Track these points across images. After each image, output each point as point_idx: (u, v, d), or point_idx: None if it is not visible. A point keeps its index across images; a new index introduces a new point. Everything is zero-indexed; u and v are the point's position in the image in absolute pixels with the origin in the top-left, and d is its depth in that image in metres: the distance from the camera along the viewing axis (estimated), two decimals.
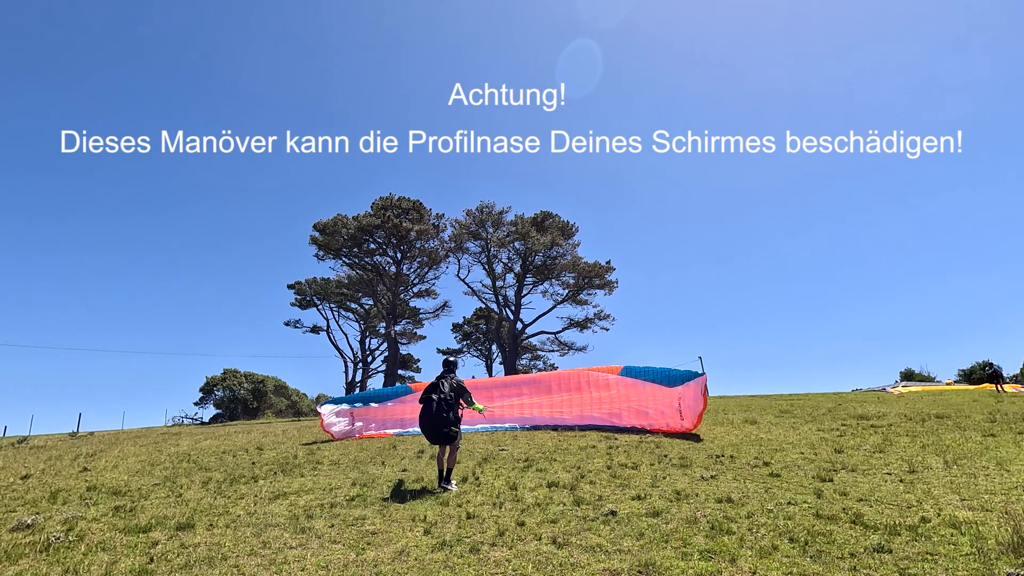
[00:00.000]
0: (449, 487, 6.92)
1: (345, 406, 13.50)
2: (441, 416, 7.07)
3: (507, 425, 12.87)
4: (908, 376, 36.84)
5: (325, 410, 13.25)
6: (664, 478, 7.06)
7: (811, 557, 4.16)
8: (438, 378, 7.45)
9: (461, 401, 7.29)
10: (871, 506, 5.44)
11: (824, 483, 6.42)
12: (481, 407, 7.83)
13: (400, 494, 6.77)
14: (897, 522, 4.84)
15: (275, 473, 8.66)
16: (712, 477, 6.99)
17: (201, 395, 49.17)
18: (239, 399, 48.54)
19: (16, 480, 9.13)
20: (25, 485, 8.60)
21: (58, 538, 5.26)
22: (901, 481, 6.39)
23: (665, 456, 8.56)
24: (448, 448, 7.18)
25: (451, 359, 7.84)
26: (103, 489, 7.89)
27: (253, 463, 9.82)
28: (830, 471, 7.01)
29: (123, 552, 4.85)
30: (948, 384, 30.59)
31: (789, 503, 5.62)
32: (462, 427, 7.38)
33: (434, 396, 7.19)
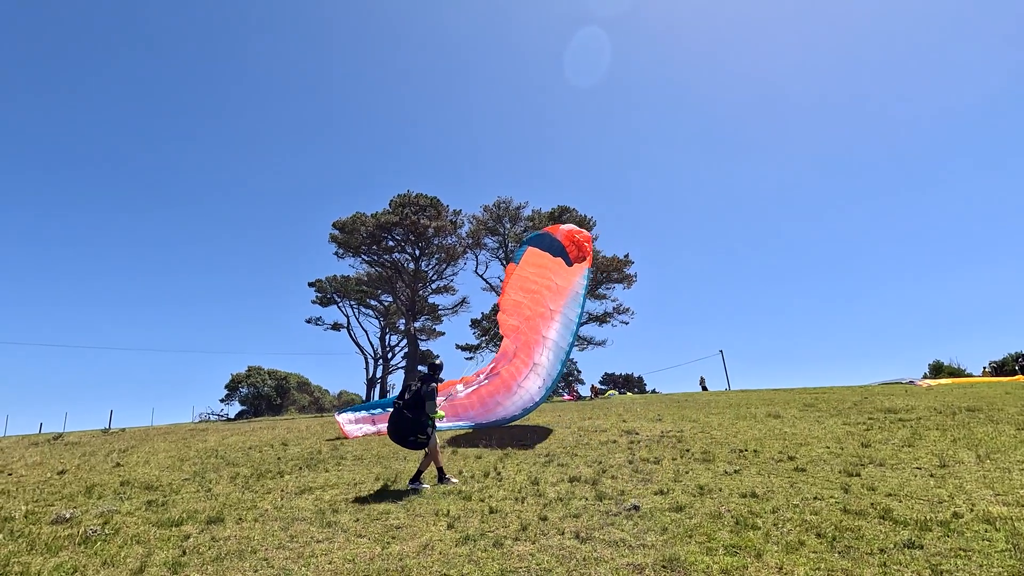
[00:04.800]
0: (419, 487, 6.83)
1: (364, 413, 13.53)
2: (400, 424, 7.05)
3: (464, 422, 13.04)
4: (937, 369, 35.87)
5: (342, 418, 13.28)
6: (687, 473, 7.01)
7: (839, 552, 4.10)
8: (407, 384, 7.39)
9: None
10: (900, 501, 5.33)
11: (851, 478, 6.32)
12: (441, 414, 7.47)
13: (422, 489, 6.84)
14: (928, 517, 4.74)
15: (300, 468, 8.82)
16: (736, 472, 6.92)
17: (227, 392, 50.19)
18: (263, 396, 49.44)
19: (53, 475, 9.44)
20: (62, 480, 8.89)
21: (95, 531, 5.43)
22: (931, 476, 6.25)
23: (687, 451, 8.50)
24: (426, 452, 7.13)
25: (435, 362, 7.60)
26: (136, 484, 8.12)
27: (279, 458, 10.00)
28: (857, 466, 6.89)
29: (157, 545, 4.99)
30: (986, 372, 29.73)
31: (815, 498, 5.55)
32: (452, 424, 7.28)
33: (398, 402, 7.20)
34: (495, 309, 52.74)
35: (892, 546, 4.17)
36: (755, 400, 16.41)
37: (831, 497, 5.55)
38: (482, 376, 14.13)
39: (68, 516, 6.13)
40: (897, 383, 22.07)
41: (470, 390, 13.79)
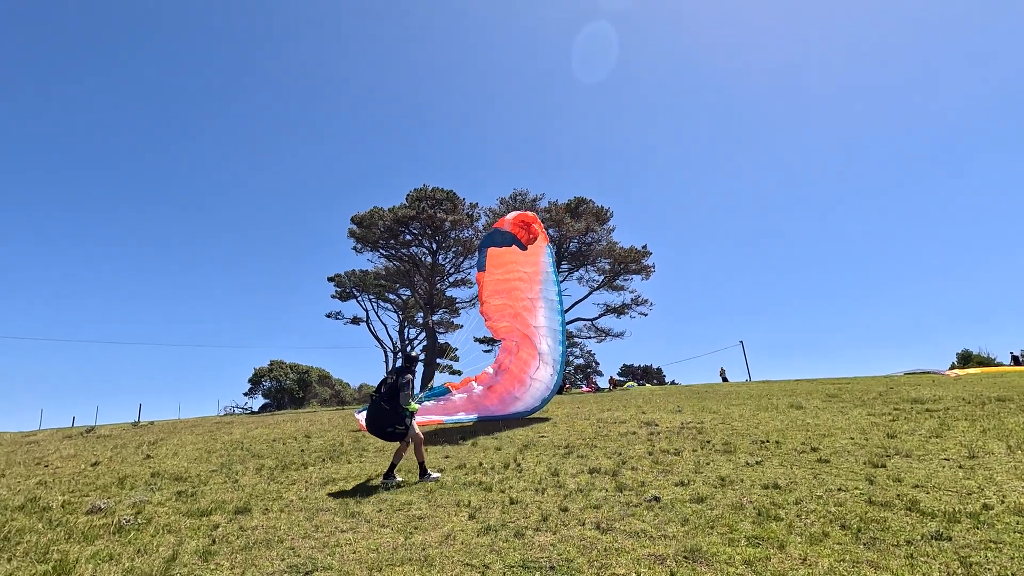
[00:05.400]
0: (390, 480, 6.84)
1: None
2: (376, 415, 7.07)
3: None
4: (966, 358, 34.98)
5: (362, 417, 13.40)
6: (707, 464, 6.97)
7: (864, 544, 4.06)
8: (384, 378, 7.40)
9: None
10: (928, 492, 5.24)
11: (876, 469, 6.22)
12: (415, 407, 7.26)
13: (443, 480, 6.91)
14: (957, 509, 4.66)
15: (323, 460, 8.97)
16: (757, 463, 6.87)
17: (250, 386, 51.17)
18: (286, 389, 50.30)
19: (87, 467, 9.75)
20: (95, 471, 9.17)
21: (128, 521, 5.60)
22: (960, 467, 6.13)
23: (708, 442, 8.45)
24: (401, 444, 7.14)
25: (410, 354, 7.60)
26: (166, 475, 8.35)
27: (302, 450, 10.18)
28: (883, 456, 6.78)
29: (187, 534, 5.13)
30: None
31: (840, 489, 5.48)
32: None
33: (374, 395, 7.22)
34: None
35: (919, 538, 4.11)
36: (776, 391, 16.22)
37: (856, 488, 5.48)
38: (493, 373, 14.27)
39: (102, 506, 6.33)
40: (923, 373, 21.59)
41: (486, 387, 13.94)
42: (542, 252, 12.83)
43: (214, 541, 4.86)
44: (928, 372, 22.19)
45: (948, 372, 22.99)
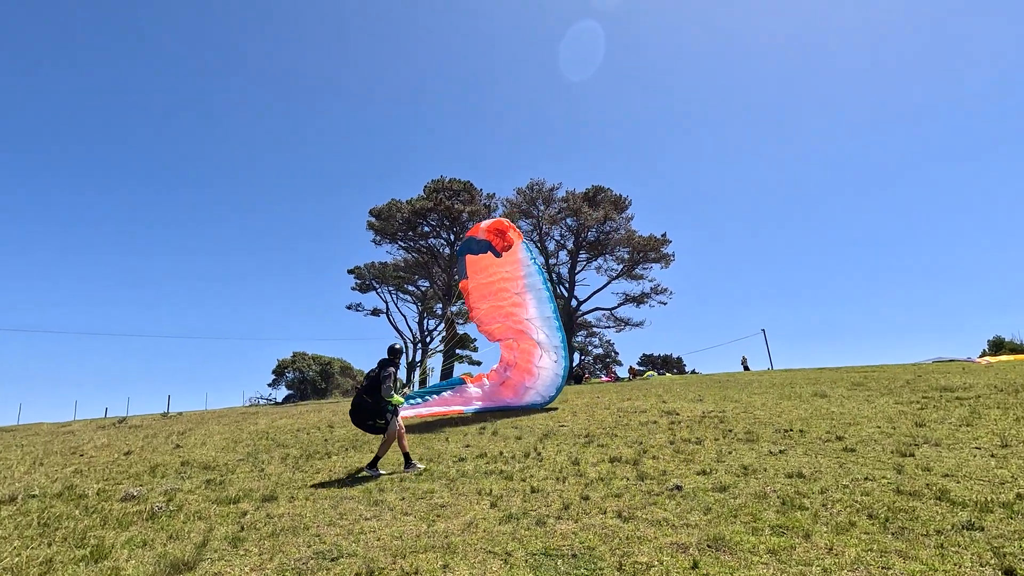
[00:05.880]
0: (373, 471, 6.89)
1: (405, 407, 13.81)
2: (360, 409, 7.09)
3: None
4: (998, 345, 33.94)
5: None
6: (730, 453, 6.91)
7: (893, 534, 3.99)
8: (369, 372, 7.39)
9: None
10: (958, 482, 5.13)
11: (905, 458, 6.10)
12: (398, 399, 7.18)
13: (464, 469, 6.97)
14: (989, 499, 4.55)
15: (347, 449, 9.11)
16: (781, 452, 6.78)
17: (274, 377, 52.11)
18: (308, 380, 51.12)
19: (120, 456, 10.05)
20: (128, 460, 9.46)
21: (160, 508, 5.77)
22: (992, 456, 5.98)
23: (730, 431, 8.37)
24: (384, 437, 7.17)
25: (393, 347, 7.47)
26: (195, 464, 8.57)
27: (326, 440, 10.36)
28: (911, 445, 6.65)
29: (217, 521, 5.26)
30: None
31: (866, 479, 5.39)
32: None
33: (357, 388, 7.21)
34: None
35: (950, 528, 4.02)
36: (800, 379, 15.98)
37: (883, 478, 5.38)
38: (502, 370, 14.49)
39: (135, 494, 6.53)
40: (953, 361, 21.05)
41: (499, 383, 14.17)
42: (519, 249, 12.91)
43: (242, 528, 4.97)
44: (958, 360, 21.63)
45: (979, 359, 22.38)
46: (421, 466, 7.17)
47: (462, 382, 14.74)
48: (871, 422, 8.37)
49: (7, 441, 14.71)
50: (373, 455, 7.26)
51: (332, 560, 4.07)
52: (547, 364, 13.26)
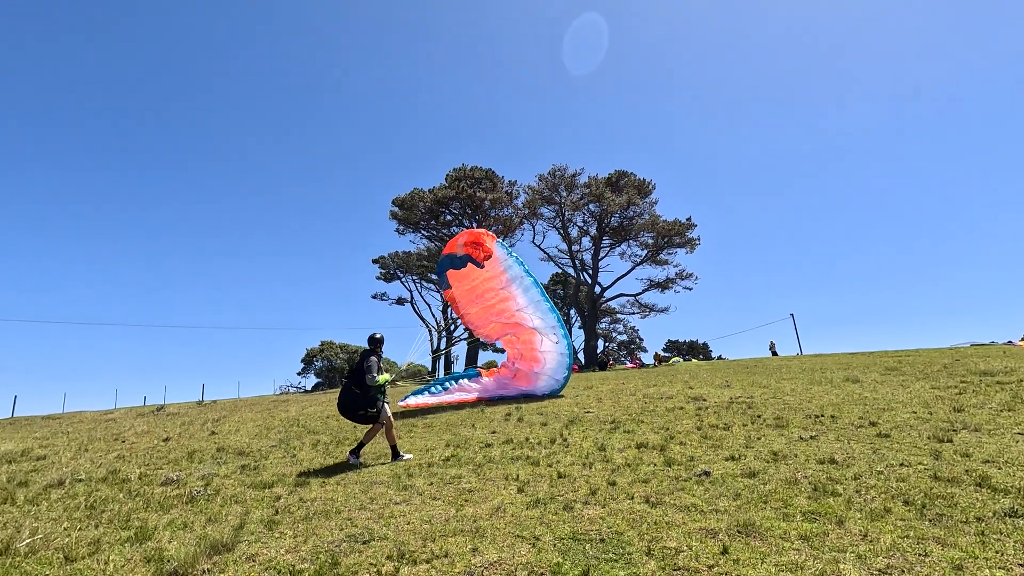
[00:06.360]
0: (355, 459, 6.98)
1: (425, 395, 13.99)
2: (349, 399, 7.13)
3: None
4: None
5: (412, 400, 13.79)
6: (759, 439, 6.82)
7: (930, 521, 3.89)
8: (355, 362, 7.43)
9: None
10: (1000, 468, 4.97)
11: (942, 444, 5.94)
12: (385, 377, 7.18)
13: (491, 455, 7.03)
14: None
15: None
16: (812, 438, 6.67)
17: (303, 365, 53.19)
18: (336, 368, 52.00)
19: (159, 442, 10.42)
20: (167, 447, 9.80)
21: (199, 492, 5.98)
22: None
23: (758, 417, 8.26)
24: (373, 426, 7.22)
25: (374, 337, 7.48)
26: (230, 450, 8.83)
27: (354, 427, 10.54)
28: (948, 431, 6.46)
29: (253, 505, 5.43)
30: None
31: (902, 464, 5.26)
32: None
33: (344, 380, 7.28)
34: (553, 279, 52.59)
35: (991, 515, 3.91)
36: (831, 364, 15.63)
37: (919, 464, 5.25)
38: (512, 363, 14.75)
39: (175, 478, 6.77)
40: (992, 344, 20.33)
41: (511, 375, 14.50)
42: (494, 249, 13.14)
43: (277, 511, 5.12)
44: (997, 343, 20.88)
45: (1021, 342, 21.58)
46: (408, 456, 7.26)
47: (477, 373, 15.10)
48: (906, 407, 8.16)
49: (53, 428, 15.39)
50: (358, 442, 7.43)
51: (364, 543, 4.16)
52: (549, 347, 13.48)
